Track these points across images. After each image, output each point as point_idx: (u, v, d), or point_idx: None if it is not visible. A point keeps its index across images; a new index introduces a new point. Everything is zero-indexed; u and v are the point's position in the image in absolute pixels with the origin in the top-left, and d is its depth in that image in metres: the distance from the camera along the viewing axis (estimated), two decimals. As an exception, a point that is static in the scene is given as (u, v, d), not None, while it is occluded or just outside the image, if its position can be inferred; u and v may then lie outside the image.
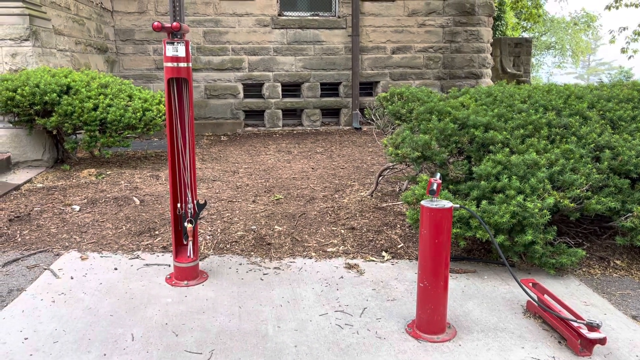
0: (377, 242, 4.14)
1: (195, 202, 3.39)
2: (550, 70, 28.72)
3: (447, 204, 2.75)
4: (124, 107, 5.56)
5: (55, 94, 5.30)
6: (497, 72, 14.51)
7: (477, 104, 4.47)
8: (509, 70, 14.42)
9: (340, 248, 4.05)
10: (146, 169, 6.17)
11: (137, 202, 4.83)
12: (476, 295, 3.35)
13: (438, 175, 2.90)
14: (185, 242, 3.45)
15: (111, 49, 9.75)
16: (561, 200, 3.53)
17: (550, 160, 3.72)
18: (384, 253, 3.98)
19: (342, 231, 4.32)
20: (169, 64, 3.18)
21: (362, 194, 5.25)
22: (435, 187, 2.75)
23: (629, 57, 16.27)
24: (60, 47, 7.28)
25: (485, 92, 4.77)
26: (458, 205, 2.88)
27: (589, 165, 3.71)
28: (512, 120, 4.10)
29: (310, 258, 3.89)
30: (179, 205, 3.40)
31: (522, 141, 3.94)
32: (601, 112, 4.32)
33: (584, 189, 3.61)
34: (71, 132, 5.60)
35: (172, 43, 3.14)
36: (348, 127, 10.70)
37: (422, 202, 2.78)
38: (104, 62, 9.32)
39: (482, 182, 3.67)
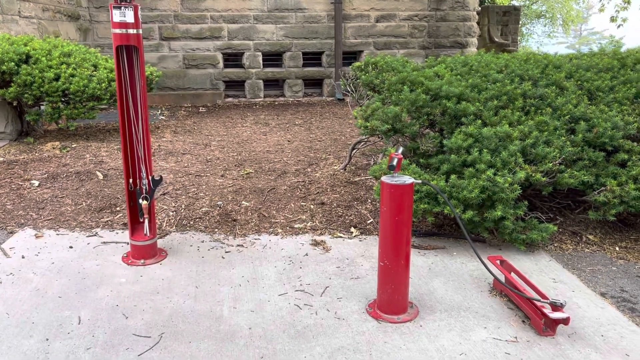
0: (346, 217, 4.02)
1: (150, 177, 3.22)
2: (540, 40, 28.35)
3: (408, 179, 2.61)
4: (88, 77, 5.31)
5: (13, 63, 5.03)
6: (484, 41, 14.23)
7: (452, 74, 4.30)
8: (496, 39, 14.15)
9: (308, 224, 3.92)
10: (114, 141, 5.96)
11: (101, 176, 4.65)
12: (443, 273, 3.25)
13: (400, 149, 2.75)
14: (141, 220, 3.30)
15: (84, 17, 9.37)
16: (533, 175, 3.41)
17: (523, 133, 3.58)
18: (352, 229, 3.86)
19: (312, 206, 4.19)
20: (117, 31, 2.97)
21: (335, 167, 5.10)
22: (395, 162, 2.61)
23: (618, 26, 15.99)
24: (25, 14, 6.93)
25: (461, 62, 4.59)
26: (420, 181, 2.74)
27: (563, 138, 3.58)
28: (486, 90, 3.94)
29: (276, 235, 3.76)
30: (131, 181, 3.24)
31: (496, 113, 3.80)
32: (579, 82, 4.17)
33: (557, 162, 3.48)
34: (32, 103, 5.35)
35: (119, 7, 2.92)
36: (331, 98, 10.48)
37: (382, 178, 2.64)
38: (76, 30, 8.95)
39: (452, 155, 3.53)
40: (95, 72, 5.46)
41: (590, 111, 3.79)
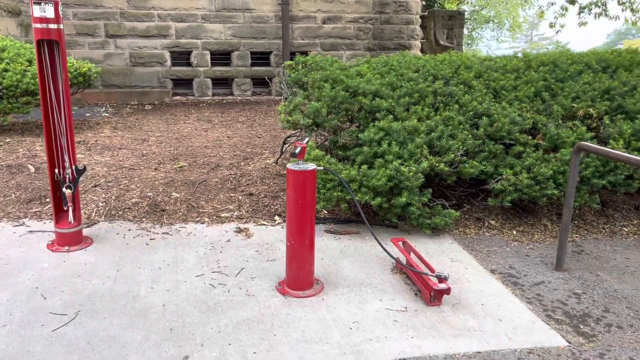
0: (272, 207, 4.25)
1: (73, 167, 3.36)
2: (489, 44, 29.52)
3: (311, 166, 2.87)
4: (22, 72, 5.34)
5: (-57, 57, 5.03)
6: (430, 44, 14.77)
7: (372, 73, 4.60)
8: (442, 42, 14.71)
9: (235, 213, 4.13)
10: (52, 137, 5.98)
11: (32, 169, 4.71)
12: (352, 255, 3.52)
13: (306, 140, 3.00)
14: (65, 208, 3.43)
15: (26, 12, 9.25)
16: (437, 165, 3.73)
17: (430, 127, 3.91)
18: (276, 217, 4.09)
19: (240, 197, 4.40)
20: (38, 25, 3.10)
21: (268, 161, 5.32)
22: (298, 150, 2.86)
23: (557, 32, 16.80)
24: (-40, 8, 6.84)
25: (383, 62, 4.90)
26: (322, 168, 3.00)
27: (466, 132, 3.92)
28: (400, 88, 4.25)
29: (203, 223, 3.95)
30: (56, 170, 3.36)
31: (407, 109, 4.11)
32: (487, 81, 4.54)
33: (459, 153, 3.82)
34: (-36, 98, 5.34)
35: (39, 3, 3.06)
36: (279, 97, 10.68)
37: (288, 165, 2.88)
38: (17, 26, 8.84)
39: (365, 147, 3.82)
40: (29, 67, 5.50)
41: (493, 108, 4.16)
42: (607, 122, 4.11)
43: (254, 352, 2.45)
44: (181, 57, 10.32)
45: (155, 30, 9.98)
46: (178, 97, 10.25)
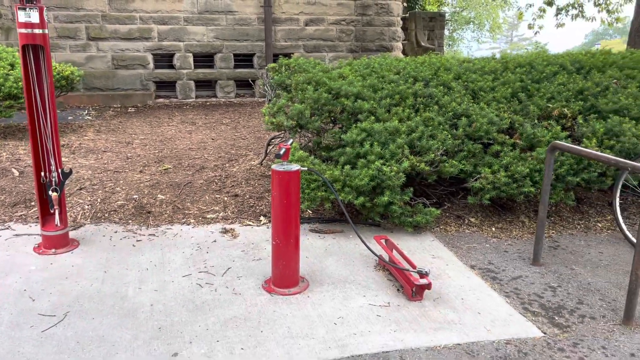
0: (257, 207, 4.31)
1: (59, 170, 3.39)
2: (470, 45, 29.95)
3: (295, 167, 2.94)
4: (4, 75, 5.33)
5: None
6: (412, 45, 14.96)
7: (354, 75, 4.69)
8: (423, 43, 14.90)
9: (220, 214, 4.18)
10: (35, 140, 5.96)
11: (17, 173, 4.71)
12: (337, 253, 3.61)
13: (290, 141, 3.08)
14: (51, 211, 3.45)
15: (5, 15, 9.16)
16: (418, 164, 3.83)
17: (410, 128, 4.01)
18: (261, 217, 4.16)
19: (225, 198, 4.45)
20: (23, 30, 3.13)
21: (253, 163, 5.39)
22: (282, 151, 2.93)
23: (535, 33, 17.13)
24: (-61, 11, 6.77)
25: (364, 64, 4.99)
26: (306, 168, 3.08)
27: (445, 132, 4.04)
28: (382, 90, 4.35)
29: (189, 225, 4.00)
30: (42, 174, 3.39)
31: (388, 110, 4.21)
32: (465, 83, 4.66)
33: (439, 153, 3.93)
34: (-55, 102, 5.31)
35: (24, 9, 3.09)
36: (263, 99, 10.73)
37: (273, 166, 2.95)
38: (-3, 29, 8.76)
39: (348, 148, 3.90)
40: (12, 71, 5.48)
41: (472, 108, 4.28)
42: (581, 121, 4.26)
43: (242, 349, 2.52)
44: (164, 59, 10.31)
45: (137, 32, 9.96)
46: (161, 100, 10.24)
